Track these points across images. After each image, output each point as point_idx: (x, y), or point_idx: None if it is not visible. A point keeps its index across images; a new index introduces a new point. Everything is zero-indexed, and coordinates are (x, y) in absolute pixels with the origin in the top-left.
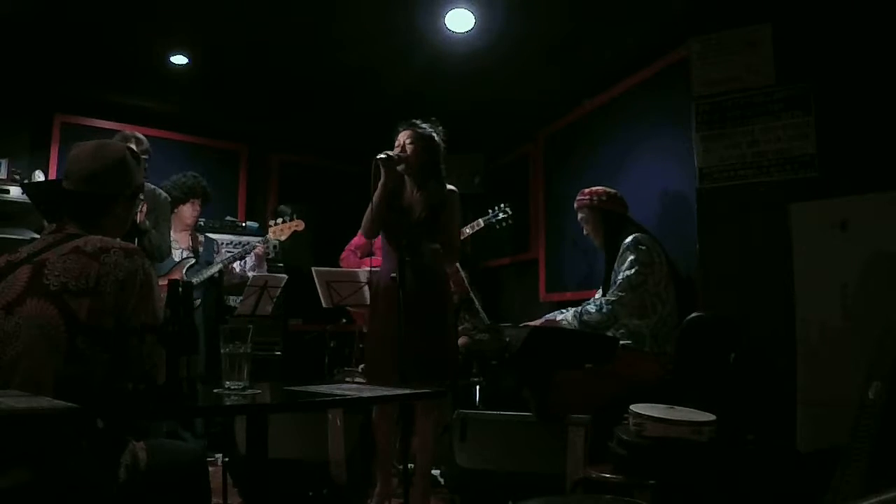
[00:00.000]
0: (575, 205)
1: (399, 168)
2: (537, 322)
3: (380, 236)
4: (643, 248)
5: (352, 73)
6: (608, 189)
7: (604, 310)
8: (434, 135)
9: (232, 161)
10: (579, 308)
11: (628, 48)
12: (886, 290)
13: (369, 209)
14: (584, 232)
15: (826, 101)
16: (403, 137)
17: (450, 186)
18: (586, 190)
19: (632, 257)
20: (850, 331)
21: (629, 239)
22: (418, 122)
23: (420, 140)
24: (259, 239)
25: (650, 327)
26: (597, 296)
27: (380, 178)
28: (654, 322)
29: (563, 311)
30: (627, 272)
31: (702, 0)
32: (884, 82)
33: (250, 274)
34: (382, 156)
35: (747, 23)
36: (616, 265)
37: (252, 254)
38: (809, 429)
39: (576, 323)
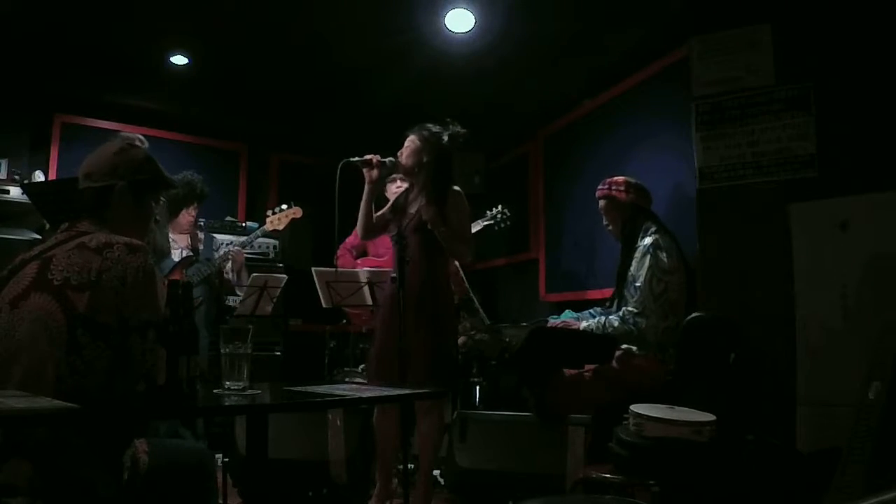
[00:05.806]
0: (596, 193)
1: (400, 172)
2: (558, 323)
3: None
4: (663, 253)
5: (352, 73)
6: (630, 179)
7: (630, 322)
8: (441, 137)
9: (232, 161)
10: (602, 320)
11: (628, 48)
12: (886, 290)
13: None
14: (604, 222)
15: (826, 101)
16: (407, 141)
17: (455, 187)
18: (608, 179)
19: (651, 263)
20: (850, 331)
21: (649, 240)
22: (429, 124)
23: (423, 143)
24: (238, 244)
25: (657, 334)
26: (631, 301)
27: (343, 182)
28: (660, 329)
29: (585, 317)
30: (649, 281)
31: (702, 0)
32: (884, 82)
33: (234, 279)
34: (354, 159)
35: (747, 23)
36: (634, 266)
37: (229, 257)
38: (809, 429)
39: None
